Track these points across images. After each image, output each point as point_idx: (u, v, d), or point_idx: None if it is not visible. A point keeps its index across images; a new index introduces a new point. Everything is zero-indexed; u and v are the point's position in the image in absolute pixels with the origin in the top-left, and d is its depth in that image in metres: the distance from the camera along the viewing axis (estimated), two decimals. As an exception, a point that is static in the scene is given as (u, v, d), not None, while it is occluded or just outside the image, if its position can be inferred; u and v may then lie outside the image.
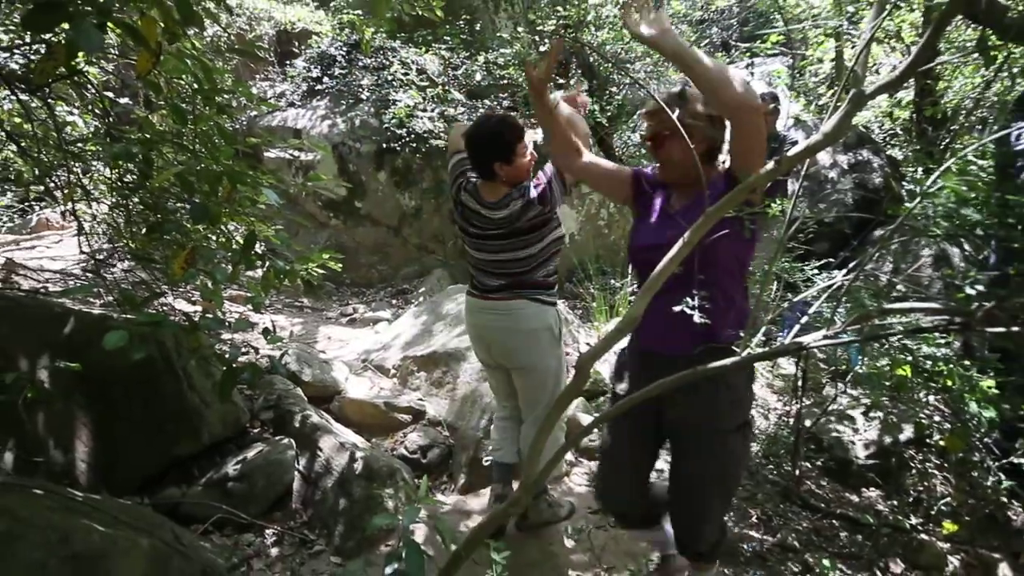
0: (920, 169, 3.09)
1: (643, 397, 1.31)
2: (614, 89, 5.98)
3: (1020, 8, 2.64)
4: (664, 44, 1.61)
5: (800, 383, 2.95)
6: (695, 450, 1.87)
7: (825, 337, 1.20)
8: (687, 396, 1.76)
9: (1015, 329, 0.95)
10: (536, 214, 2.32)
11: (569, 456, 3.45)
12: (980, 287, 1.93)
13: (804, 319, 2.60)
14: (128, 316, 1.84)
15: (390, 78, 5.77)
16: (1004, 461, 2.80)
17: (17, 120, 3.09)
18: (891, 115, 7.17)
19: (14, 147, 3.22)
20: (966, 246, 3.48)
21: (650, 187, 1.98)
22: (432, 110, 5.49)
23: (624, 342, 1.92)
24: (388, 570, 1.33)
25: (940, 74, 6.30)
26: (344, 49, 6.24)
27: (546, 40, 5.79)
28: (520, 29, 6.30)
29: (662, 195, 1.95)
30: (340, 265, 2.62)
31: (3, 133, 2.81)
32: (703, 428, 1.84)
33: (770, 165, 1.27)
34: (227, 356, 1.94)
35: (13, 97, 2.58)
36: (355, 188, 5.53)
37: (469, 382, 3.55)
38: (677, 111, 1.74)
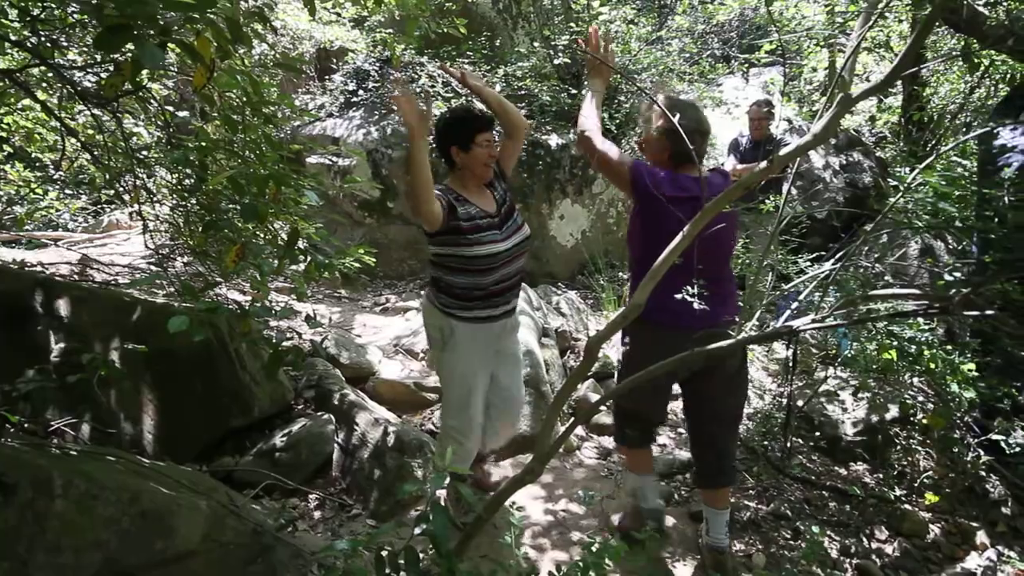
0: (906, 168, 3.03)
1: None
2: (622, 98, 5.91)
3: (997, 18, 2.56)
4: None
5: (791, 365, 2.92)
6: (736, 387, 2.20)
7: (814, 321, 1.19)
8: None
9: (990, 313, 0.93)
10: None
11: (580, 431, 3.45)
12: (958, 275, 1.90)
13: (795, 305, 2.57)
14: (188, 304, 1.88)
15: (419, 90, 5.78)
16: (983, 438, 2.76)
17: (90, 132, 3.17)
18: (872, 118, 7.02)
19: (88, 156, 3.29)
20: (950, 240, 3.41)
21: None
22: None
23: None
24: (417, 530, 1.36)
25: (927, 81, 6.15)
26: (377, 64, 6.26)
27: (559, 53, 5.75)
28: (536, 44, 6.26)
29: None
30: (374, 260, 2.65)
31: (79, 143, 2.87)
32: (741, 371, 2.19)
33: (763, 164, 1.26)
34: (273, 340, 1.97)
35: (87, 111, 2.65)
36: (387, 190, 5.56)
37: (490, 364, 3.56)
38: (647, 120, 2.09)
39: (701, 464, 2.30)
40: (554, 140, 5.32)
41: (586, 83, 2.17)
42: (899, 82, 6.21)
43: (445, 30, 4.05)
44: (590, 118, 2.14)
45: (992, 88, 5.33)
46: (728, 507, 2.31)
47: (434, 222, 2.05)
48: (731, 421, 2.26)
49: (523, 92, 5.62)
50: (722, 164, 4.95)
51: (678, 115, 1.74)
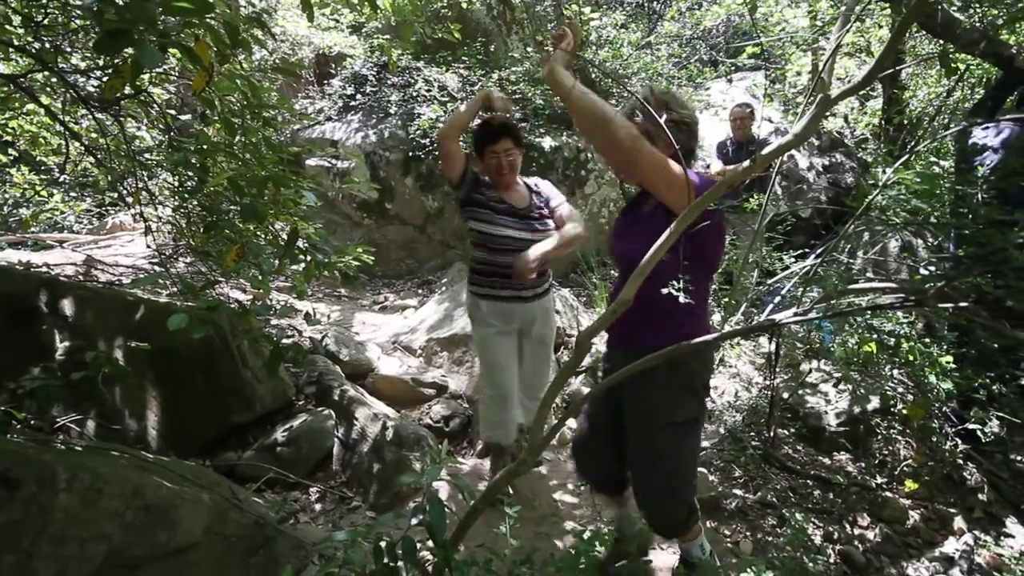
0: (885, 168, 3.04)
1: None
2: (614, 102, 5.93)
3: (971, 23, 2.57)
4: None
5: (775, 357, 2.93)
6: (646, 422, 1.74)
7: (795, 314, 1.19)
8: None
9: (964, 305, 0.94)
10: None
11: (572, 423, 3.45)
12: (934, 269, 1.91)
13: (777, 300, 2.58)
14: (189, 303, 1.87)
15: (415, 94, 5.76)
16: (960, 427, 2.77)
17: (94, 135, 3.14)
18: (846, 118, 7.05)
19: (91, 159, 3.26)
20: (928, 237, 3.42)
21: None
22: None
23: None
24: (414, 520, 1.36)
25: (906, 84, 6.18)
26: (374, 69, 6.24)
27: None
28: (529, 49, 6.26)
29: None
30: (372, 259, 2.64)
31: (82, 147, 2.85)
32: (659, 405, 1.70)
33: (746, 163, 1.26)
34: (274, 338, 1.97)
35: (90, 115, 2.62)
36: (385, 191, 5.55)
37: (485, 360, 3.56)
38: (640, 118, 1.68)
39: (640, 505, 1.82)
40: (547, 142, 5.32)
41: (558, 71, 1.65)
42: (880, 85, 6.24)
43: (441, 35, 4.04)
44: (604, 104, 1.61)
45: (969, 91, 5.36)
46: (697, 536, 1.88)
47: (448, 157, 2.31)
48: (644, 464, 1.74)
49: (518, 96, 5.62)
50: (708, 166, 4.96)
51: (672, 112, 1.60)
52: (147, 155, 2.99)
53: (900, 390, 3.03)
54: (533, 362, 2.63)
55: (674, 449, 1.69)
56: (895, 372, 2.98)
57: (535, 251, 2.21)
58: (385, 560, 1.31)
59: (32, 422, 2.40)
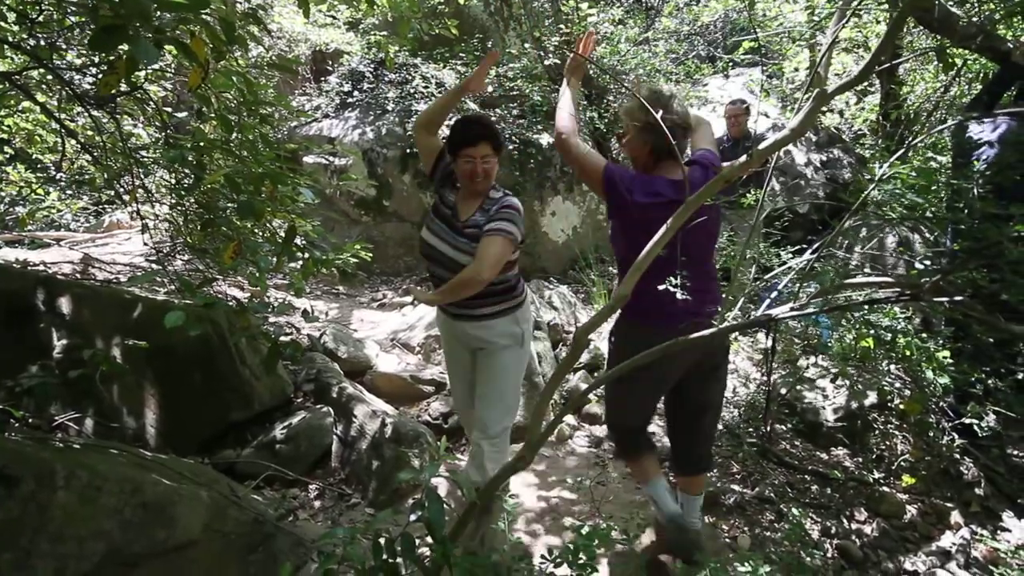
0: (881, 163, 3.04)
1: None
2: (611, 98, 5.91)
3: (968, 17, 2.57)
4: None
5: (771, 352, 2.93)
6: (721, 377, 2.15)
7: (792, 309, 1.19)
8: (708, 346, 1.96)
9: (959, 299, 0.94)
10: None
11: (572, 420, 3.46)
12: (930, 263, 1.91)
13: (774, 295, 2.59)
14: (187, 301, 1.87)
15: (412, 91, 5.75)
16: (957, 422, 2.78)
17: (90, 133, 3.13)
18: (841, 112, 7.05)
19: (88, 156, 3.26)
20: (925, 232, 3.43)
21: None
22: (450, 119, 5.47)
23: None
24: (413, 517, 1.36)
25: (903, 80, 6.18)
26: (372, 66, 6.22)
27: (549, 55, 5.73)
28: (527, 45, 6.24)
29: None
30: (371, 256, 2.64)
31: (78, 144, 2.84)
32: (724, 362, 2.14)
33: (743, 158, 1.26)
34: (272, 335, 1.96)
35: (86, 113, 2.61)
36: (383, 188, 5.54)
37: (484, 357, 3.56)
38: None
39: (685, 452, 2.20)
40: (545, 139, 5.31)
41: (565, 80, 2.07)
42: (877, 81, 6.24)
43: (438, 31, 4.03)
44: (568, 119, 2.00)
45: (966, 87, 5.36)
46: (703, 492, 2.25)
47: (420, 149, 2.23)
48: (716, 410, 2.22)
49: (515, 93, 5.61)
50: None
51: (660, 111, 1.65)
52: (143, 152, 2.98)
53: (897, 385, 3.04)
54: (481, 389, 2.19)
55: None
56: (892, 367, 2.99)
57: (421, 296, 2.15)
58: (384, 556, 1.31)
59: (30, 420, 2.40)
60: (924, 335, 2.69)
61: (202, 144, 2.13)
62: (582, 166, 1.97)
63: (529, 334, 2.25)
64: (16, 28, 2.30)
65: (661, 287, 1.51)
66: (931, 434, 2.86)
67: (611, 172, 1.91)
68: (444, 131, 2.39)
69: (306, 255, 2.17)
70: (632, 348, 1.92)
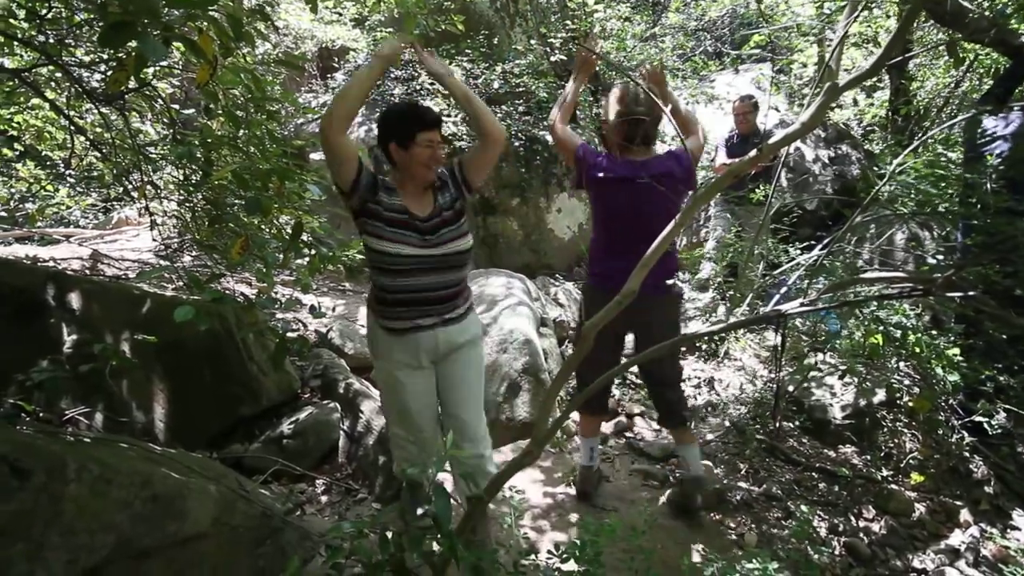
0: (892, 158, 3.02)
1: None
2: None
3: (979, 11, 2.54)
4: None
5: (780, 349, 2.92)
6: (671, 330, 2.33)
7: (801, 305, 1.19)
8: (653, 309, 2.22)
9: (971, 294, 0.93)
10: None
11: (576, 416, 3.46)
12: (941, 259, 1.90)
13: (783, 290, 2.58)
14: (195, 296, 1.88)
15: (418, 87, 5.75)
16: (967, 420, 2.76)
17: (98, 130, 3.15)
18: (856, 101, 6.99)
19: (96, 153, 3.28)
20: (936, 228, 3.40)
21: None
22: (456, 115, 5.46)
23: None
24: (419, 511, 1.37)
25: (914, 75, 6.13)
26: (378, 63, 6.22)
27: (556, 51, 5.72)
28: (533, 42, 6.22)
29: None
30: (376, 252, 2.63)
31: (87, 141, 2.86)
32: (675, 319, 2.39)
33: (752, 153, 1.26)
34: (280, 331, 1.97)
35: (94, 110, 2.63)
36: (389, 185, 5.54)
37: (489, 353, 3.56)
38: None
39: (657, 402, 2.51)
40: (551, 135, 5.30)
41: (572, 75, 2.38)
42: (887, 76, 6.18)
43: (444, 27, 4.02)
44: (558, 109, 2.36)
45: (977, 82, 5.30)
46: (695, 441, 2.51)
47: (337, 151, 1.78)
48: (672, 359, 2.47)
49: (521, 89, 5.60)
50: (712, 158, 4.94)
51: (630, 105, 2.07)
52: (152, 149, 3.00)
53: (906, 382, 3.02)
54: (460, 403, 2.06)
55: None
56: (901, 364, 2.97)
57: (434, 61, 1.91)
58: (391, 550, 1.32)
59: (41, 414, 2.42)
60: (934, 332, 2.68)
61: (210, 140, 2.14)
62: (563, 145, 2.36)
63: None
64: (25, 25, 2.32)
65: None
66: (940, 432, 2.84)
67: (582, 150, 2.31)
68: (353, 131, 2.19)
69: (313, 251, 2.18)
70: (590, 308, 2.34)
